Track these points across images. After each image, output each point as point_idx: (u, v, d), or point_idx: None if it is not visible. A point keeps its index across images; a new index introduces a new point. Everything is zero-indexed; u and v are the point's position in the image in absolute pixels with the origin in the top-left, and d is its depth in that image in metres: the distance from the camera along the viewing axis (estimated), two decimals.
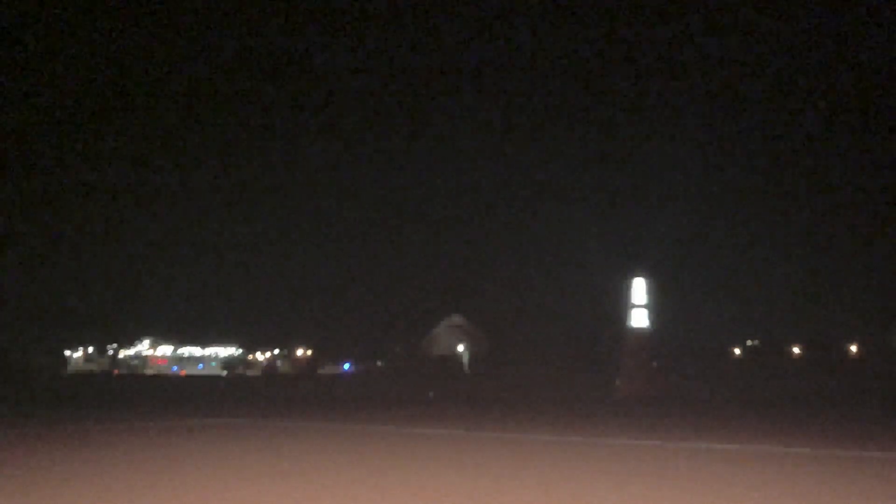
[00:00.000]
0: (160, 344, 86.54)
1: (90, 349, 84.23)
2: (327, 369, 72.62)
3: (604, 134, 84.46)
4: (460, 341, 67.26)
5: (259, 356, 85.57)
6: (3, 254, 65.73)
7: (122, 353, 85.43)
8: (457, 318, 70.22)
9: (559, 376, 44.27)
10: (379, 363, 70.20)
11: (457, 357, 64.30)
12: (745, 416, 14.31)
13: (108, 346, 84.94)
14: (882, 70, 66.91)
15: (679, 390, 27.79)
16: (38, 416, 13.61)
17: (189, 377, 64.49)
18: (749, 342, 63.81)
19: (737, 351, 63.15)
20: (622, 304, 24.07)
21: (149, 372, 78.79)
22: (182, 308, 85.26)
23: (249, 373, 77.77)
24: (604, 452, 7.91)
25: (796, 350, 60.02)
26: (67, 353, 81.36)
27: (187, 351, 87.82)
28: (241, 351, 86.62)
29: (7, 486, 5.45)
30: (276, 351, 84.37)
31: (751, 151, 75.70)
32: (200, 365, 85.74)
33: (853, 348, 57.62)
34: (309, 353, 79.01)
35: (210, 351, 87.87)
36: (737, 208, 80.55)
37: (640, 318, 23.70)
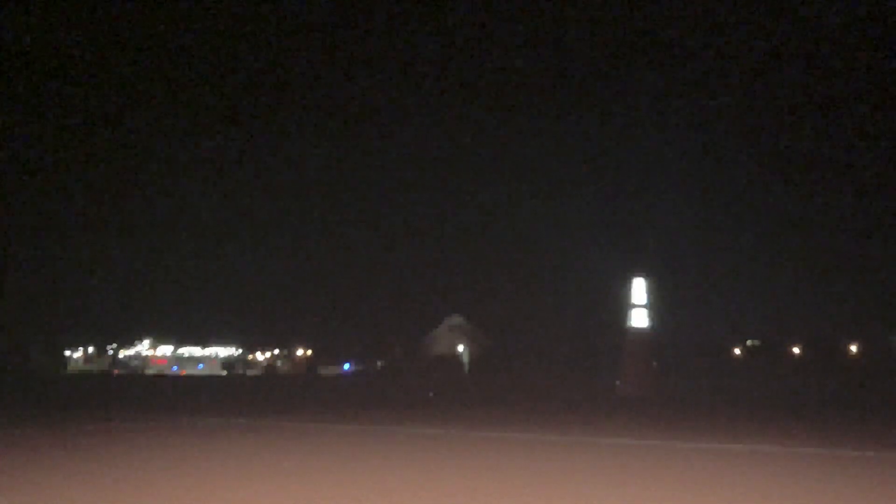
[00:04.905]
0: (160, 344, 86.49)
1: (90, 349, 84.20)
2: (327, 369, 72.60)
3: (604, 134, 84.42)
4: (460, 341, 67.22)
5: (259, 356, 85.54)
6: (4, 254, 65.74)
7: (122, 353, 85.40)
8: (457, 318, 70.18)
9: (559, 376, 44.27)
10: (379, 363, 70.17)
11: (457, 357, 64.27)
12: (746, 416, 14.30)
13: (108, 346, 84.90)
14: (883, 70, 66.86)
15: (679, 390, 27.78)
16: (38, 416, 13.61)
17: (189, 377, 64.47)
18: (749, 342, 63.78)
19: (737, 351, 63.12)
20: (622, 304, 24.05)
21: (149, 372, 78.74)
22: (182, 308, 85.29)
23: (249, 373, 77.73)
24: (604, 452, 7.91)
25: (796, 350, 59.99)
26: (67, 353, 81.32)
27: (187, 351, 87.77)
28: (241, 351, 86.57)
29: (7, 486, 5.45)
30: (276, 351, 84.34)
31: (751, 151, 75.65)
32: (200, 365, 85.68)
33: (853, 348, 57.58)
34: (309, 353, 78.98)
35: (210, 351, 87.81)
36: (737, 208, 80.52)
37: (640, 318, 23.69)
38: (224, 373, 78.41)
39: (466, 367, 61.20)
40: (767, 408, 17.21)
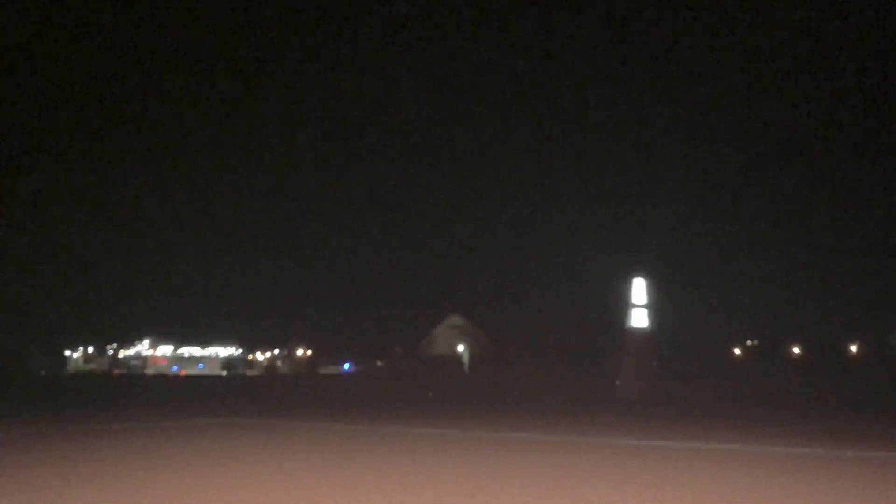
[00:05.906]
0: (160, 344, 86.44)
1: (90, 349, 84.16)
2: (327, 369, 72.57)
3: (603, 133, 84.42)
4: (460, 341, 67.19)
5: (259, 356, 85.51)
6: (3, 254, 65.72)
7: (122, 353, 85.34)
8: (457, 318, 70.14)
9: (559, 376, 44.28)
10: (379, 363, 70.15)
11: (457, 357, 64.25)
12: (746, 416, 14.30)
13: (108, 346, 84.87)
14: (883, 69, 66.86)
15: (680, 390, 27.75)
16: (38, 416, 13.60)
17: (189, 377, 64.45)
18: (749, 342, 63.79)
19: (737, 351, 63.12)
20: (622, 304, 24.03)
21: (149, 372, 78.68)
22: (182, 308, 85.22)
23: (249, 373, 77.71)
24: (604, 452, 7.91)
25: (796, 350, 60.00)
26: (67, 353, 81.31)
27: (187, 351, 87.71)
28: (241, 351, 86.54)
29: (7, 486, 5.45)
30: (276, 351, 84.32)
31: (750, 151, 75.65)
32: (200, 365, 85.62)
33: (853, 348, 57.60)
34: (309, 353, 78.95)
35: (210, 351, 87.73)
36: (737, 208, 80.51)
37: (640, 318, 23.66)
38: (224, 373, 78.35)
39: (466, 367, 61.17)
40: (767, 408, 17.21)
